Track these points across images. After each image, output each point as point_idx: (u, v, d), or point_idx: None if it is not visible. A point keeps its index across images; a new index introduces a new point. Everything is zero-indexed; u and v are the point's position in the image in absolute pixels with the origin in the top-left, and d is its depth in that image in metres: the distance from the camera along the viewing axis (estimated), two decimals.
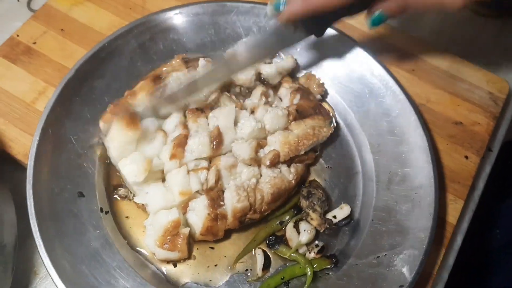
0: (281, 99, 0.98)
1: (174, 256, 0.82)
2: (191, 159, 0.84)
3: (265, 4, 0.97)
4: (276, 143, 0.88)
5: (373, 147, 0.94)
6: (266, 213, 0.86)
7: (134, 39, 0.98)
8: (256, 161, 0.86)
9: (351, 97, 0.99)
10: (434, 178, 0.87)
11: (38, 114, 0.91)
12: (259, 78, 0.99)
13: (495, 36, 1.17)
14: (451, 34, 1.16)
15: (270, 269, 0.85)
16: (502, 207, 1.24)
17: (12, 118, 0.95)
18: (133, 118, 0.84)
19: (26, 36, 1.05)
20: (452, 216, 0.91)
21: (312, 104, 0.94)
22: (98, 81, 0.94)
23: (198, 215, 0.82)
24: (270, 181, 0.85)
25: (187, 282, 0.83)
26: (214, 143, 0.85)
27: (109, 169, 0.91)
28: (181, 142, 0.84)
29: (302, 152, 0.89)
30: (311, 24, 0.86)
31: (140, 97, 0.90)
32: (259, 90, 0.94)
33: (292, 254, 0.84)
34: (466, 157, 0.96)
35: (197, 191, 0.83)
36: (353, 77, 0.99)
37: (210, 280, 0.83)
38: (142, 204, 0.87)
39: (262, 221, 0.88)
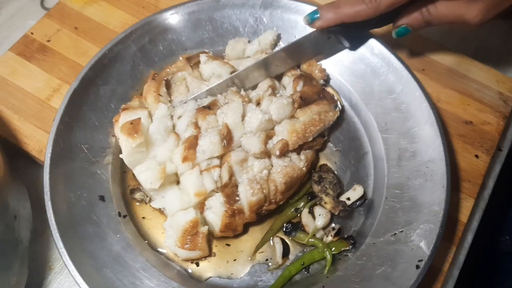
0: (284, 87, 0.98)
1: (196, 255, 0.84)
2: (203, 159, 0.85)
3: None
4: (283, 133, 0.88)
5: (381, 126, 0.95)
6: (281, 202, 0.87)
7: (134, 43, 0.98)
8: (266, 153, 0.87)
9: (354, 78, 1.00)
10: (444, 151, 0.87)
11: (53, 111, 0.93)
12: None
13: (504, 37, 1.18)
14: (461, 34, 1.17)
15: (290, 256, 0.87)
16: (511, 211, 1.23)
17: (27, 115, 0.97)
18: (135, 126, 0.84)
19: (40, 34, 1.06)
20: (462, 214, 0.92)
21: (315, 90, 0.95)
22: (103, 87, 0.95)
23: (216, 213, 0.83)
24: (282, 170, 0.86)
25: (210, 277, 0.85)
26: (225, 141, 0.86)
27: (124, 174, 0.92)
28: (192, 144, 0.85)
29: (310, 139, 0.89)
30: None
31: (150, 100, 0.91)
32: (266, 83, 0.94)
33: (310, 240, 0.86)
34: (477, 156, 0.97)
35: (213, 190, 0.84)
36: (354, 58, 1.00)
37: (232, 273, 0.85)
38: (159, 208, 0.88)
39: (277, 211, 0.89)
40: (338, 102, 0.96)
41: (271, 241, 0.87)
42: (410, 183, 0.88)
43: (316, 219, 0.87)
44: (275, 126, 0.90)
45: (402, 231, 0.84)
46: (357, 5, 0.88)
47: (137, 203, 0.90)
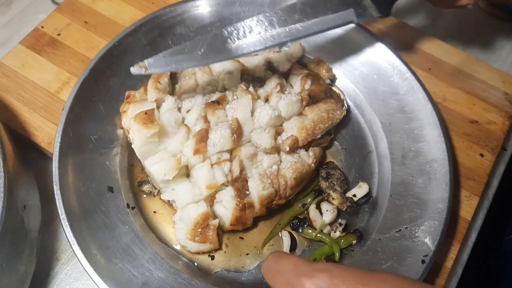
0: (292, 86, 1.00)
1: (206, 248, 0.85)
2: (214, 152, 0.86)
3: None
4: (293, 129, 0.90)
5: (385, 126, 0.97)
6: (291, 197, 0.89)
7: (143, 37, 0.99)
8: (275, 148, 0.88)
9: (359, 79, 1.02)
10: (447, 151, 0.90)
11: (62, 103, 0.93)
12: (269, 67, 1.01)
13: (511, 38, 1.20)
14: (468, 35, 1.19)
15: (297, 250, 0.88)
16: None
17: (36, 107, 0.98)
18: (150, 115, 0.85)
19: (51, 28, 1.07)
20: (467, 212, 0.93)
21: (323, 88, 0.97)
22: (112, 79, 0.95)
23: (226, 206, 0.84)
24: (292, 166, 0.87)
25: (218, 271, 0.85)
26: (235, 135, 0.87)
27: (131, 167, 0.93)
28: (203, 137, 0.86)
29: (319, 136, 0.91)
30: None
31: (149, 86, 0.92)
32: (273, 80, 0.95)
33: (317, 235, 0.87)
34: (482, 155, 0.99)
35: (223, 183, 0.85)
36: (360, 60, 1.02)
37: (242, 267, 0.86)
38: (168, 200, 0.89)
39: (285, 206, 0.90)
40: (345, 101, 0.98)
41: (280, 235, 0.88)
42: (414, 181, 0.90)
43: (324, 215, 0.88)
44: (283, 123, 0.91)
45: (407, 227, 0.86)
46: None
47: (145, 196, 0.91)
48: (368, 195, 0.91)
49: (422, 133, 0.94)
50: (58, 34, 1.06)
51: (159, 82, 0.92)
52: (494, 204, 1.00)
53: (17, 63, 1.01)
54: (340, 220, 0.90)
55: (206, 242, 0.83)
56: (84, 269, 0.77)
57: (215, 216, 0.86)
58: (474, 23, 1.22)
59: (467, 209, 0.94)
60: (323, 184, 0.90)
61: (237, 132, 0.87)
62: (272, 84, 0.96)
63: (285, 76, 1.01)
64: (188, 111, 0.92)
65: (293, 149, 0.89)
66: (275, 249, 0.87)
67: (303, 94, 0.94)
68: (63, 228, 0.79)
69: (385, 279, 0.51)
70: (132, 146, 0.87)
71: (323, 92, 0.96)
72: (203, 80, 0.96)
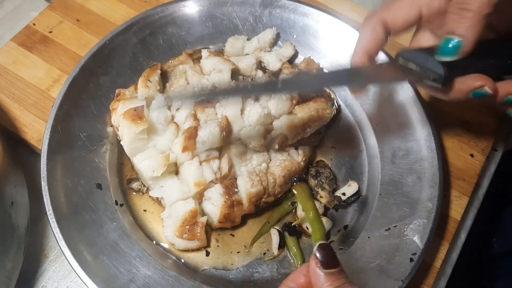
0: None
1: (194, 245, 0.84)
2: (203, 150, 0.86)
3: None
4: (282, 127, 0.90)
5: (375, 125, 0.97)
6: (280, 195, 0.89)
7: (134, 35, 1.00)
8: (265, 147, 0.88)
9: None
10: (436, 150, 0.90)
11: (53, 101, 0.93)
12: (260, 66, 1.01)
13: None
14: None
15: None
16: (502, 215, 1.25)
17: (27, 104, 0.98)
18: (139, 112, 0.85)
19: (43, 25, 1.07)
20: (456, 212, 0.93)
21: None
22: (103, 77, 0.95)
23: (215, 204, 0.84)
24: (281, 164, 0.87)
25: (206, 268, 0.85)
26: (224, 133, 0.87)
27: (121, 166, 0.93)
28: (192, 134, 0.86)
29: (308, 134, 0.91)
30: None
31: (139, 84, 0.92)
32: (264, 79, 0.96)
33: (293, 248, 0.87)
34: (472, 155, 0.99)
35: (211, 181, 0.85)
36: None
37: (231, 265, 0.86)
38: (157, 198, 0.89)
39: (274, 204, 0.90)
40: (335, 101, 0.98)
41: (270, 233, 0.88)
42: (403, 180, 0.90)
43: None
44: (273, 121, 0.91)
45: (396, 226, 0.85)
46: None
47: (134, 193, 0.91)
48: (357, 193, 0.91)
49: (411, 132, 0.94)
50: (50, 32, 1.06)
51: (149, 80, 0.92)
52: (485, 205, 1.00)
53: (8, 60, 1.02)
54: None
55: (194, 240, 0.83)
56: (70, 264, 0.76)
57: (203, 214, 0.86)
58: None
59: (456, 209, 0.93)
60: (312, 182, 0.90)
61: (227, 129, 0.87)
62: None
63: (276, 75, 1.01)
64: (178, 109, 0.92)
65: (283, 147, 0.89)
66: (263, 248, 0.87)
67: (293, 93, 0.94)
68: (50, 224, 0.79)
69: None
70: (121, 143, 0.87)
71: (313, 91, 0.97)
72: (194, 79, 0.96)
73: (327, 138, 0.99)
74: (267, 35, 1.04)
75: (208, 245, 0.86)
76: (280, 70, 1.01)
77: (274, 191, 0.87)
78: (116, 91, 0.93)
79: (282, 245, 0.87)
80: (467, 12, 0.61)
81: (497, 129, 1.02)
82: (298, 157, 0.90)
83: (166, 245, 0.87)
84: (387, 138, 0.95)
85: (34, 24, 1.06)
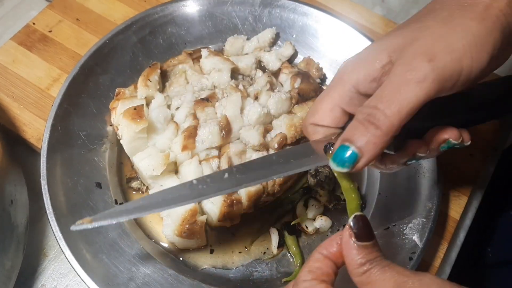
0: (282, 85, 1.00)
1: (193, 244, 0.84)
2: (202, 149, 0.86)
3: None
4: (282, 127, 0.90)
5: None
6: (279, 194, 0.89)
7: (134, 35, 0.99)
8: (264, 146, 0.88)
9: None
10: None
11: (52, 99, 0.93)
12: (259, 65, 1.01)
13: None
14: None
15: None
16: (499, 222, 1.24)
17: (26, 103, 0.98)
18: (139, 111, 0.85)
19: (42, 24, 1.07)
20: (455, 211, 0.93)
21: (312, 87, 0.97)
22: (102, 77, 0.95)
23: (214, 202, 0.84)
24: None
25: (205, 267, 0.85)
26: (223, 132, 0.87)
27: (121, 162, 0.93)
28: (192, 133, 0.86)
29: None
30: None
31: (139, 84, 0.92)
32: (263, 78, 0.96)
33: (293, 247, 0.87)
34: (471, 155, 0.99)
35: None
36: None
37: (232, 263, 0.86)
38: None
39: (274, 203, 0.90)
40: None
41: (269, 232, 0.88)
42: (403, 180, 0.90)
43: (308, 209, 0.89)
44: (273, 121, 0.92)
45: (395, 225, 0.85)
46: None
47: (134, 192, 0.91)
48: None
49: None
50: (50, 31, 1.06)
51: (149, 80, 0.92)
52: (485, 207, 1.00)
53: (8, 59, 1.02)
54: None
55: (193, 238, 0.83)
56: (70, 263, 0.76)
57: (202, 212, 0.86)
58: None
59: (455, 209, 0.94)
60: (312, 181, 0.90)
61: (226, 129, 0.87)
62: (262, 82, 0.96)
63: (276, 74, 1.02)
64: (177, 108, 0.92)
65: (282, 146, 0.89)
66: (262, 246, 0.87)
67: (292, 92, 0.94)
68: (49, 223, 0.79)
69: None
70: (121, 141, 0.87)
71: (313, 90, 0.97)
72: (193, 78, 0.96)
73: None
74: (267, 34, 1.04)
75: (207, 244, 0.86)
76: (279, 70, 1.01)
77: (273, 190, 0.87)
78: (116, 90, 0.93)
79: (281, 244, 0.87)
80: (375, 129, 0.53)
81: (496, 129, 1.02)
82: None
83: (165, 244, 0.87)
84: None
85: (33, 23, 1.07)
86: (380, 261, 0.53)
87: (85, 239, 0.80)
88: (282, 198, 0.91)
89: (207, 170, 0.84)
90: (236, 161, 0.87)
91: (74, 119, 0.90)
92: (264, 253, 0.87)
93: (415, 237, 0.83)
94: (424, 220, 0.84)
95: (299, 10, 1.05)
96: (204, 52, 0.97)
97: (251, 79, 1.00)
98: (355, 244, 0.53)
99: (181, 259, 0.85)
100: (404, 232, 0.84)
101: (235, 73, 0.99)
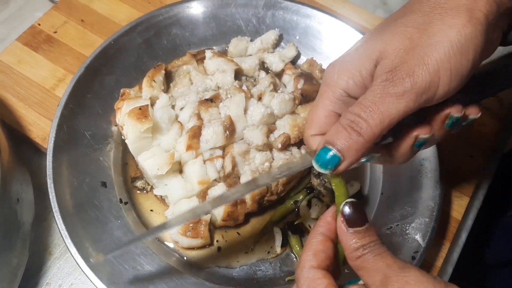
0: (285, 85, 1.01)
1: (197, 243, 0.85)
2: (206, 148, 0.87)
3: None
4: (285, 127, 0.91)
5: None
6: (283, 194, 0.89)
7: (139, 36, 1.00)
8: (268, 146, 0.89)
9: None
10: (437, 150, 0.91)
11: (57, 100, 0.94)
12: (263, 67, 1.02)
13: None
14: None
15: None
16: (499, 223, 1.25)
17: (31, 103, 0.99)
18: (144, 111, 0.86)
19: (47, 25, 1.08)
20: (457, 212, 0.94)
21: (315, 88, 0.98)
22: (107, 77, 0.96)
23: None
24: (283, 163, 0.88)
25: (209, 267, 0.86)
26: (227, 132, 0.88)
27: (126, 162, 0.94)
28: (196, 133, 0.87)
29: None
30: None
31: (144, 84, 0.93)
32: (267, 79, 0.97)
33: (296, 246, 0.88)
34: (472, 156, 1.00)
35: (215, 179, 0.86)
36: None
37: (237, 262, 0.86)
38: (161, 196, 0.89)
39: (277, 202, 0.91)
40: None
41: (273, 231, 0.89)
42: (405, 180, 0.91)
43: (312, 209, 0.90)
44: (276, 121, 0.92)
45: (397, 224, 0.86)
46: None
47: (138, 192, 0.91)
48: (359, 193, 0.92)
49: None
50: (55, 32, 1.07)
51: (153, 80, 0.93)
52: (484, 206, 1.01)
53: (14, 60, 1.03)
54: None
55: (198, 237, 0.83)
56: (76, 261, 0.77)
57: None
58: None
59: (457, 209, 0.94)
60: (315, 181, 0.91)
61: (230, 129, 0.88)
62: (265, 83, 0.97)
63: (279, 76, 1.02)
64: (181, 108, 0.93)
65: (285, 146, 0.89)
66: (267, 246, 0.88)
67: (296, 93, 0.95)
68: (55, 221, 0.80)
69: None
70: (126, 141, 0.87)
71: (315, 91, 0.97)
72: (197, 79, 0.97)
73: None
74: (270, 36, 1.05)
75: (211, 243, 0.87)
76: (283, 71, 1.02)
77: (277, 189, 0.87)
78: (121, 90, 0.94)
79: (285, 243, 0.87)
80: (358, 137, 0.55)
81: (496, 130, 1.03)
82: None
83: (170, 243, 0.87)
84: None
85: (39, 24, 1.08)
86: (375, 246, 0.53)
87: (90, 238, 0.81)
88: (285, 198, 0.91)
89: (211, 169, 0.85)
90: (240, 161, 0.87)
91: (79, 119, 0.91)
92: (268, 252, 0.87)
93: (417, 237, 0.83)
94: (427, 220, 0.84)
95: (302, 12, 1.06)
96: (208, 53, 0.98)
97: (255, 80, 1.01)
98: (348, 231, 0.54)
99: (185, 258, 0.86)
100: (407, 231, 0.85)
101: (238, 74, 1.00)
